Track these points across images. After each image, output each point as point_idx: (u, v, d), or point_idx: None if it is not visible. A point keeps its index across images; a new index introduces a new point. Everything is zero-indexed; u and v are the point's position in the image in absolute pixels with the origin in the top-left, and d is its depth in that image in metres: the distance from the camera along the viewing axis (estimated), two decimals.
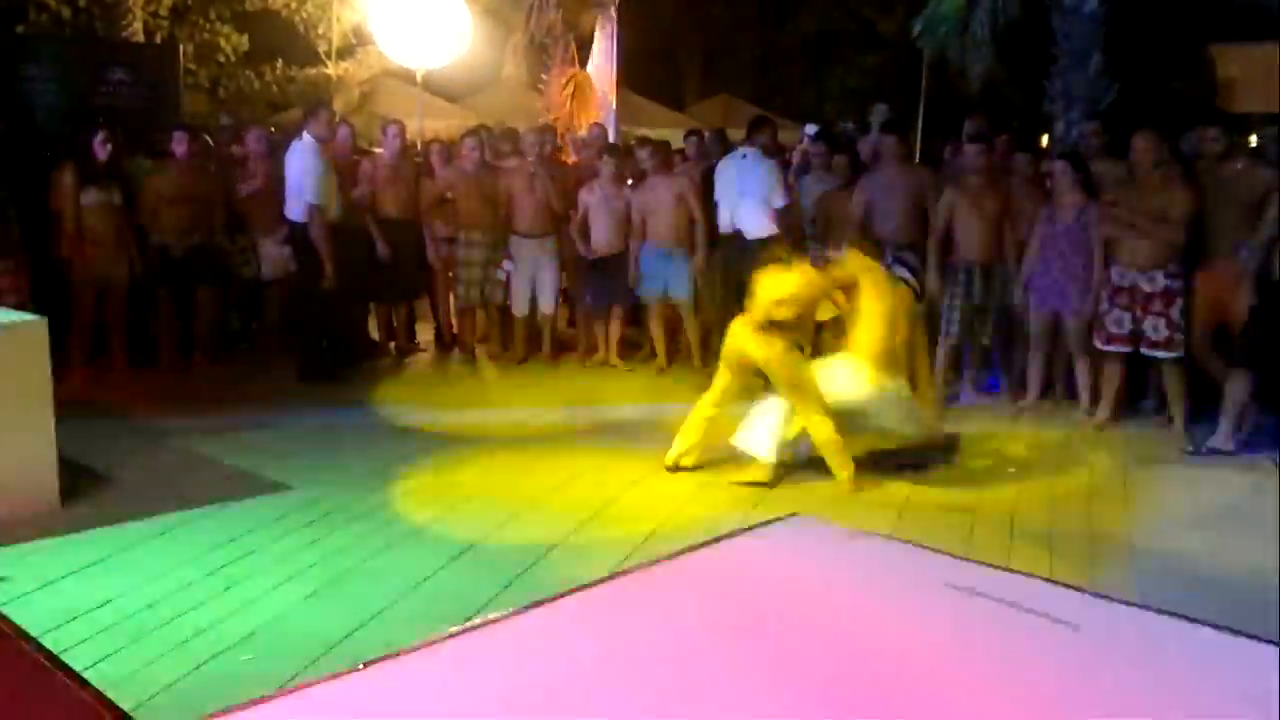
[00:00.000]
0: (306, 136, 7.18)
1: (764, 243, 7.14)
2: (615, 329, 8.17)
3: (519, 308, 8.15)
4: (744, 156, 7.35)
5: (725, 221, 7.38)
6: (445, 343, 8.76)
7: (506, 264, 8.04)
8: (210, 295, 7.71)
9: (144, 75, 8.62)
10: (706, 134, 9.01)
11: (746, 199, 7.20)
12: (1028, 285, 6.56)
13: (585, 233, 7.90)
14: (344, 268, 7.27)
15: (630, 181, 8.18)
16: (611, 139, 11.53)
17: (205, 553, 4.31)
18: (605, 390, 7.45)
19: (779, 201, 7.16)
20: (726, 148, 8.15)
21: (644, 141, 8.37)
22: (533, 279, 8.08)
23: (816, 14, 20.97)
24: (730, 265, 7.31)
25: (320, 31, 16.35)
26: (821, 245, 7.45)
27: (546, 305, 8.18)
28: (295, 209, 7.17)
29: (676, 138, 9.94)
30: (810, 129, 9.07)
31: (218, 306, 7.88)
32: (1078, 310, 6.37)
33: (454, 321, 8.70)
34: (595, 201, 7.87)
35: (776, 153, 7.89)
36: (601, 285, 8.02)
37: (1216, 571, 4.23)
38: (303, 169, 7.09)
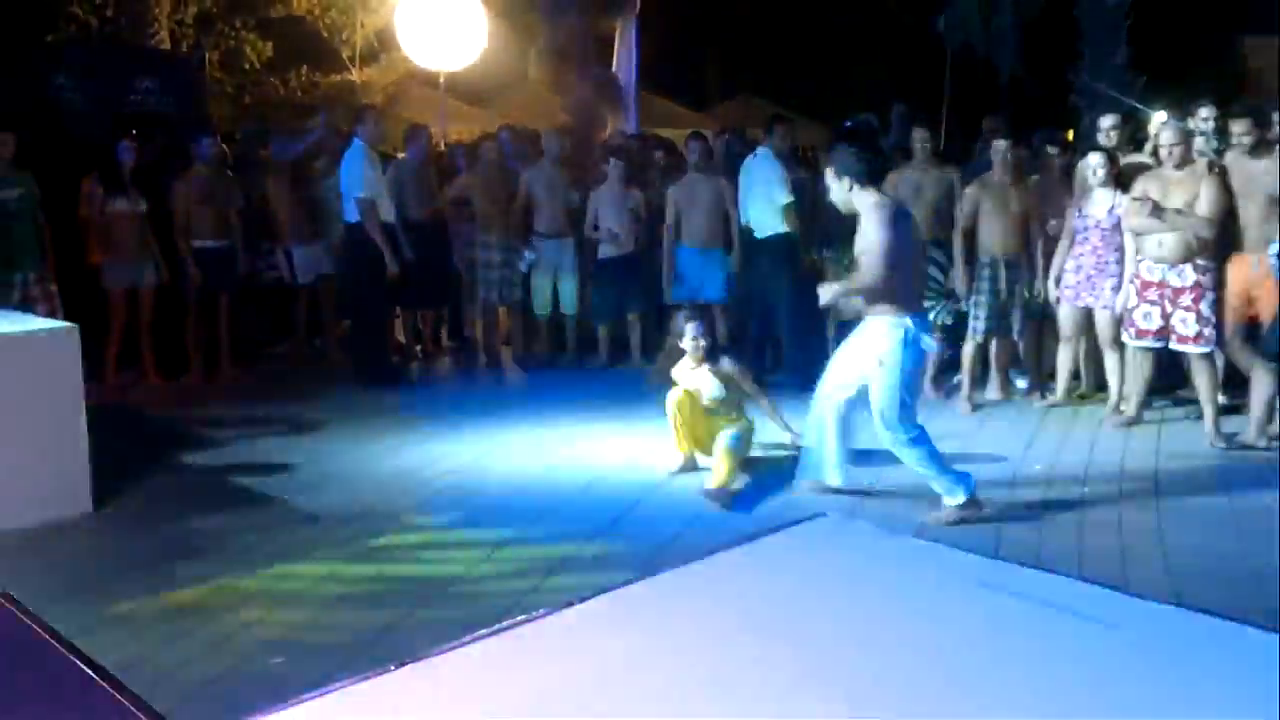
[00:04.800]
0: (357, 140, 7.34)
1: (773, 240, 7.20)
2: (635, 329, 8.12)
3: (539, 308, 8.16)
4: (755, 156, 7.41)
5: (740, 220, 7.51)
6: (469, 345, 8.79)
7: (528, 253, 8.03)
8: (231, 300, 7.74)
9: (170, 83, 8.68)
10: (708, 135, 8.87)
11: (753, 198, 7.30)
12: (1058, 280, 6.52)
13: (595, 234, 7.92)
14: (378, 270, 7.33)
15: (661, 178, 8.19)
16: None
17: (236, 557, 4.35)
18: (629, 392, 7.44)
19: (782, 200, 7.19)
20: (740, 147, 8.16)
21: (695, 135, 8.21)
22: (554, 280, 8.09)
23: (838, 12, 20.92)
24: (744, 263, 7.54)
25: (344, 37, 16.46)
26: (843, 243, 7.45)
27: (568, 306, 8.19)
28: (351, 211, 7.29)
29: None
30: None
31: (240, 312, 7.92)
32: (1109, 304, 6.32)
33: (477, 324, 8.72)
34: (604, 203, 7.87)
35: (790, 152, 7.88)
36: (610, 288, 8.00)
37: (1246, 568, 4.19)
38: (355, 171, 7.24)
